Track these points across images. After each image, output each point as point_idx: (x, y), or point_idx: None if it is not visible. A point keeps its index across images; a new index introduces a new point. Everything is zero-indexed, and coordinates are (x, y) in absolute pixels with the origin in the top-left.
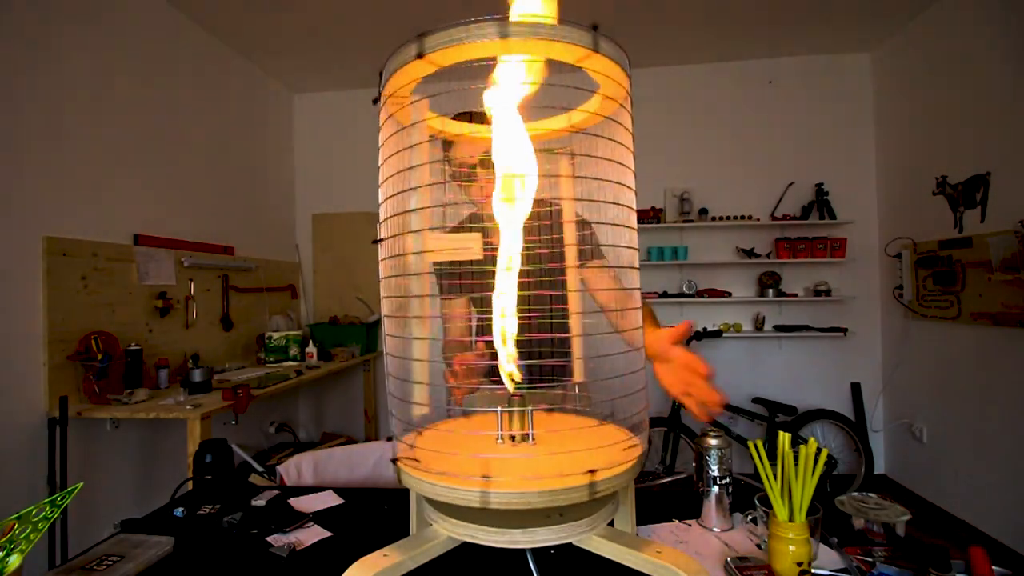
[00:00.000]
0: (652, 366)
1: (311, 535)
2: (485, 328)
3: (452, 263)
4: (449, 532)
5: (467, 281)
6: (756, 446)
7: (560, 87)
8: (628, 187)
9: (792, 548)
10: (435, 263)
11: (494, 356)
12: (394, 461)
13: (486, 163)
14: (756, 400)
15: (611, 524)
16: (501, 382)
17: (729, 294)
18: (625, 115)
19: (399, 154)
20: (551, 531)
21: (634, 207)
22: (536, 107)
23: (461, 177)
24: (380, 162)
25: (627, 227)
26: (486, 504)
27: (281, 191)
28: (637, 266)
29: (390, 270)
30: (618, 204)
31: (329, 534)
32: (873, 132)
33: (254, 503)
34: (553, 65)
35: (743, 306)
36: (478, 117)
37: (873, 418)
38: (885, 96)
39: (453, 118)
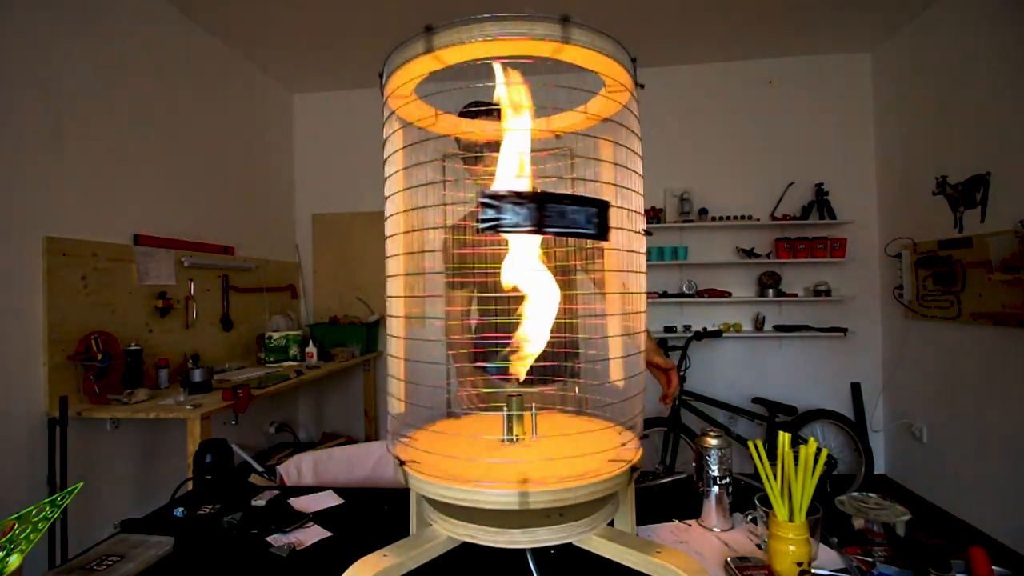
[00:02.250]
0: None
1: (311, 535)
2: (489, 325)
3: (461, 256)
4: (449, 532)
5: (477, 279)
6: (756, 446)
7: (561, 87)
8: (637, 191)
9: (792, 548)
10: (445, 253)
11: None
12: (401, 464)
13: (493, 145)
14: (756, 400)
15: (611, 524)
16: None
17: (729, 294)
18: (632, 119)
19: (404, 152)
20: (551, 531)
21: (641, 210)
22: (538, 107)
23: (468, 159)
24: (384, 158)
25: (636, 231)
26: (525, 506)
27: (281, 191)
28: (644, 270)
29: (397, 268)
30: (628, 209)
31: (329, 534)
32: (873, 132)
33: (254, 503)
34: (558, 64)
35: (743, 306)
36: (492, 111)
37: (873, 418)
38: (885, 96)
39: (462, 112)
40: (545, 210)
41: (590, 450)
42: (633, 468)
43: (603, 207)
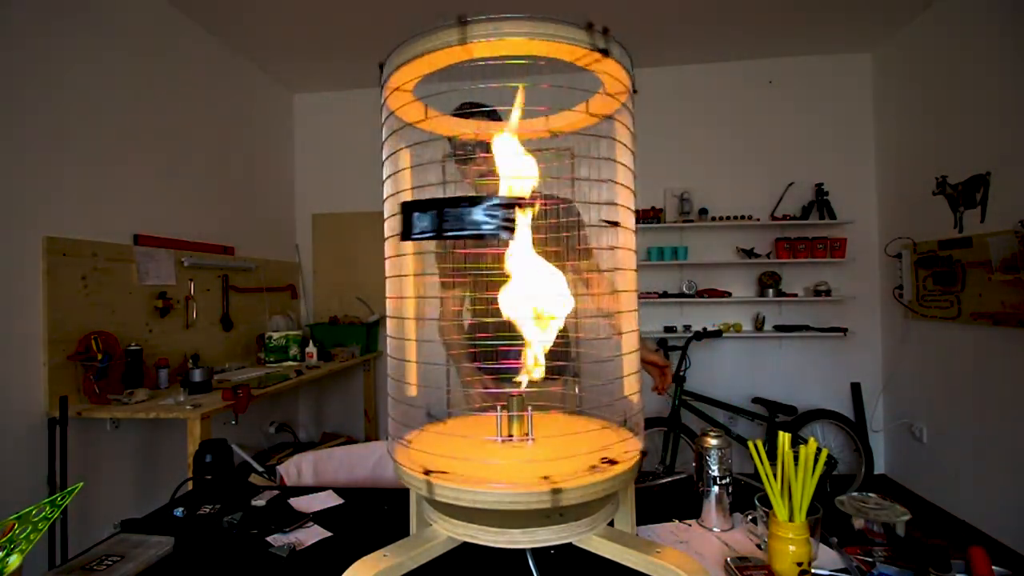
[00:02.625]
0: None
1: (311, 535)
2: (483, 325)
3: (454, 256)
4: (449, 532)
5: (464, 279)
6: (756, 446)
7: (556, 87)
8: (629, 188)
9: (792, 548)
10: (437, 251)
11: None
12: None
13: (486, 146)
14: (756, 400)
15: (611, 524)
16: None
17: (729, 294)
18: (627, 115)
19: (404, 152)
20: (551, 531)
21: (632, 208)
22: (533, 106)
23: (460, 158)
24: (384, 158)
25: (627, 228)
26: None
27: (281, 191)
28: (635, 267)
29: (394, 270)
30: (619, 205)
31: (329, 534)
32: (873, 132)
33: (254, 503)
34: (555, 63)
35: (743, 306)
36: (483, 112)
37: (873, 418)
38: (885, 96)
39: (455, 111)
40: (443, 214)
41: (580, 452)
42: (555, 491)
43: (508, 205)
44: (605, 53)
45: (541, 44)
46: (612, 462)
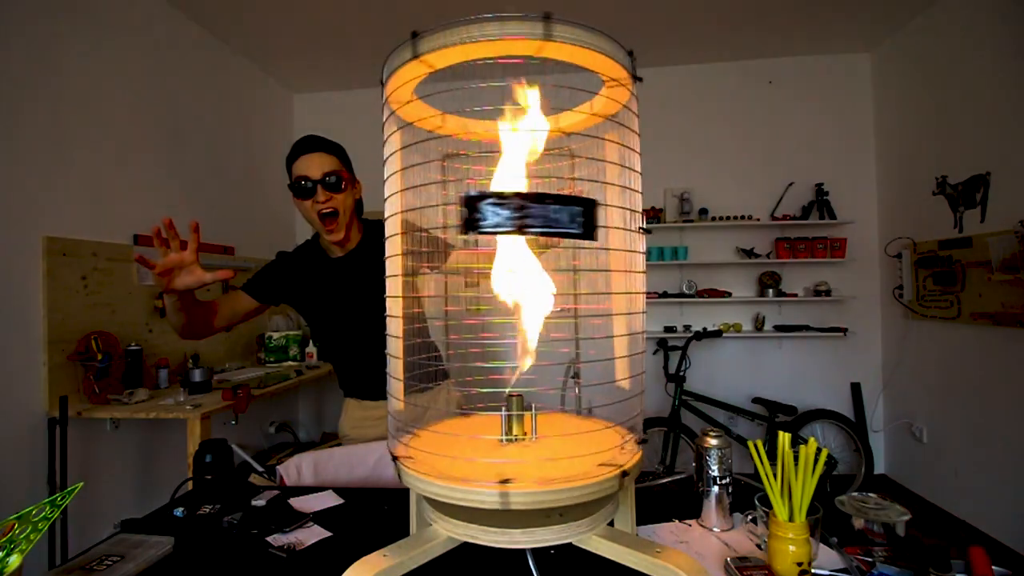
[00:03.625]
0: None
1: (311, 535)
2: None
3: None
4: (449, 532)
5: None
6: (756, 446)
7: (557, 87)
8: (636, 190)
9: (792, 548)
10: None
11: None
12: (395, 459)
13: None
14: (756, 400)
15: (611, 524)
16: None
17: (729, 294)
18: (632, 118)
19: (404, 152)
20: (551, 531)
21: (640, 210)
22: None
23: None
24: (384, 159)
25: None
26: (506, 506)
27: (281, 191)
28: (643, 269)
29: (395, 269)
30: (625, 208)
31: (329, 534)
32: (873, 132)
33: (254, 503)
34: (553, 63)
35: (743, 306)
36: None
37: (873, 418)
38: (885, 96)
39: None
40: (526, 210)
41: (588, 451)
42: (624, 473)
43: (588, 206)
44: (640, 80)
45: (589, 54)
46: (644, 440)
